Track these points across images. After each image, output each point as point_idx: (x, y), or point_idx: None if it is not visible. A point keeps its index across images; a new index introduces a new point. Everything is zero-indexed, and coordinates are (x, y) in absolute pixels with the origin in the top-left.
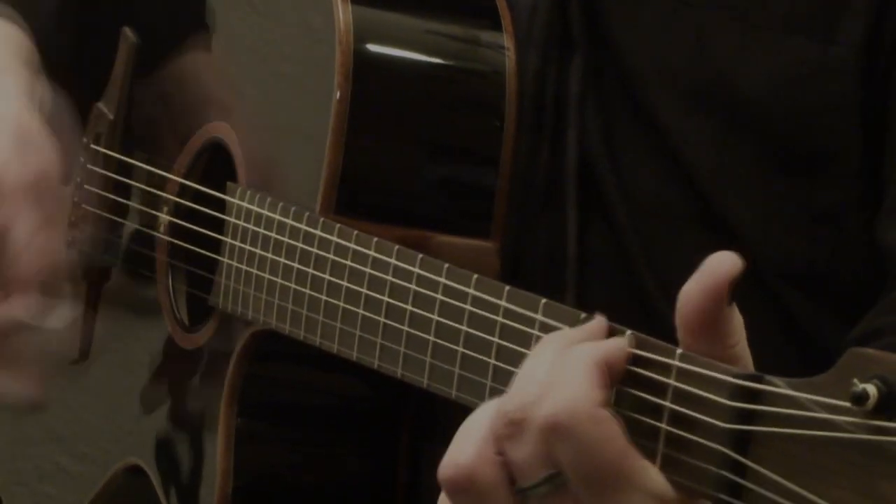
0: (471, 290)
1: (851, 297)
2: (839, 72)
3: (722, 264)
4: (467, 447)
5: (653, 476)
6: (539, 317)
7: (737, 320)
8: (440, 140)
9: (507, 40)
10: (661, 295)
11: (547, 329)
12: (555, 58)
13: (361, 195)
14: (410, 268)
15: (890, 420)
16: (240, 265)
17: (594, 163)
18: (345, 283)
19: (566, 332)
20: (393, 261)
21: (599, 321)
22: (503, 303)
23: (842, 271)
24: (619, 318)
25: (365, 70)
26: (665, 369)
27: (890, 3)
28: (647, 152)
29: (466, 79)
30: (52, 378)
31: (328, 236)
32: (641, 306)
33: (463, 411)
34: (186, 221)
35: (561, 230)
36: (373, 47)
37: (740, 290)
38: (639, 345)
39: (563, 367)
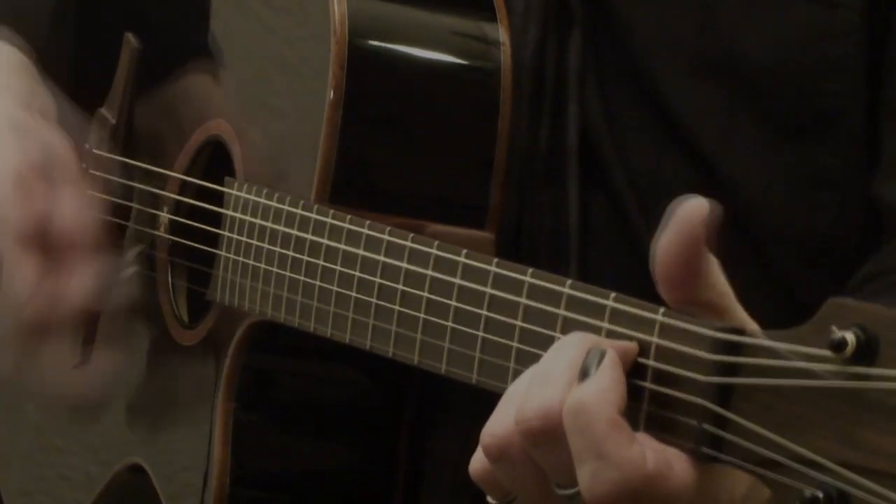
0: (493, 268)
1: (851, 265)
2: (844, 33)
3: (691, 210)
4: (506, 418)
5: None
6: (567, 290)
7: (717, 270)
8: (435, 131)
9: (503, 33)
10: None
11: (573, 304)
12: (554, 32)
13: (355, 185)
14: (427, 249)
15: (869, 367)
16: (237, 257)
17: (595, 136)
18: (338, 267)
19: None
20: (409, 244)
21: (632, 346)
22: (528, 278)
23: (842, 238)
24: (622, 290)
25: (360, 61)
26: (648, 325)
27: None
28: (647, 124)
29: (461, 72)
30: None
31: (323, 218)
32: (644, 278)
33: (466, 404)
34: (186, 219)
35: (563, 204)
36: (368, 39)
37: (740, 258)
38: (621, 304)
39: (591, 437)
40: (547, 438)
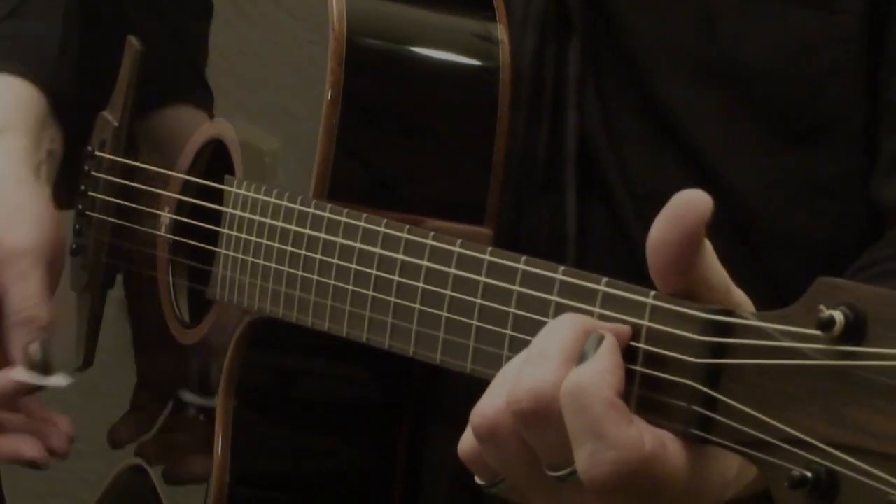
0: (487, 257)
1: None
2: (842, 40)
3: (694, 206)
4: (496, 399)
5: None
6: (559, 276)
7: (710, 259)
8: (433, 127)
9: (502, 31)
10: None
11: (565, 290)
12: (553, 39)
13: (353, 182)
14: (423, 240)
15: (857, 346)
16: (236, 254)
17: (593, 144)
18: (335, 261)
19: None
20: (405, 235)
21: (627, 329)
22: (521, 265)
23: (844, 244)
24: None
25: (358, 57)
26: (639, 309)
27: None
28: (646, 132)
29: (461, 69)
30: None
31: (320, 213)
32: (642, 284)
33: (465, 399)
34: (187, 219)
35: (561, 211)
36: (366, 34)
37: (741, 264)
38: (612, 288)
39: (588, 419)
40: (538, 419)
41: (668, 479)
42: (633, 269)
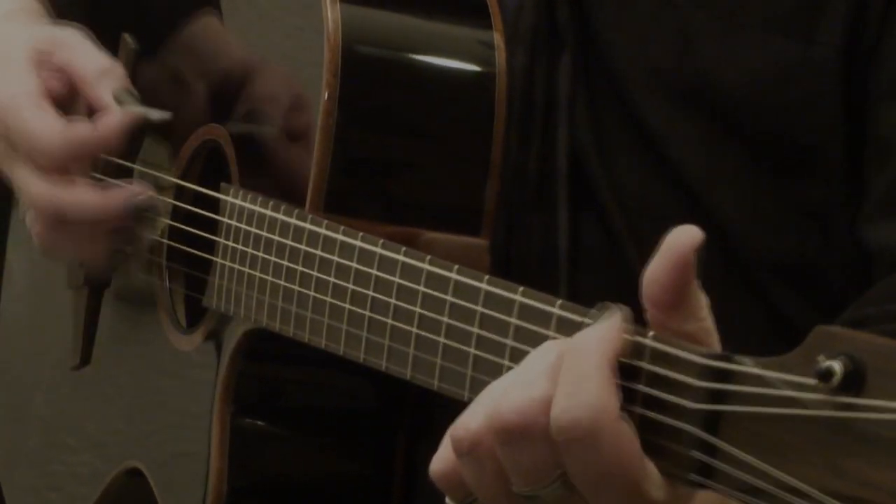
0: (483, 286)
1: (840, 292)
2: (820, 70)
3: (683, 237)
4: (480, 415)
5: (657, 482)
6: (556, 311)
7: (702, 294)
8: (429, 138)
9: (498, 38)
10: None
11: (563, 325)
12: (543, 56)
13: (350, 193)
14: (419, 264)
15: (855, 397)
16: (232, 264)
17: (585, 161)
18: (332, 279)
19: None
20: (401, 258)
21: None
22: (518, 297)
23: (830, 266)
24: None
25: (353, 68)
26: (638, 350)
27: (866, 5)
28: (636, 150)
29: (456, 76)
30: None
31: (316, 229)
32: (634, 302)
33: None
34: (183, 224)
35: (553, 228)
36: (361, 45)
37: (729, 285)
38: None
39: (577, 369)
40: (518, 437)
41: (634, 470)
42: (625, 285)
